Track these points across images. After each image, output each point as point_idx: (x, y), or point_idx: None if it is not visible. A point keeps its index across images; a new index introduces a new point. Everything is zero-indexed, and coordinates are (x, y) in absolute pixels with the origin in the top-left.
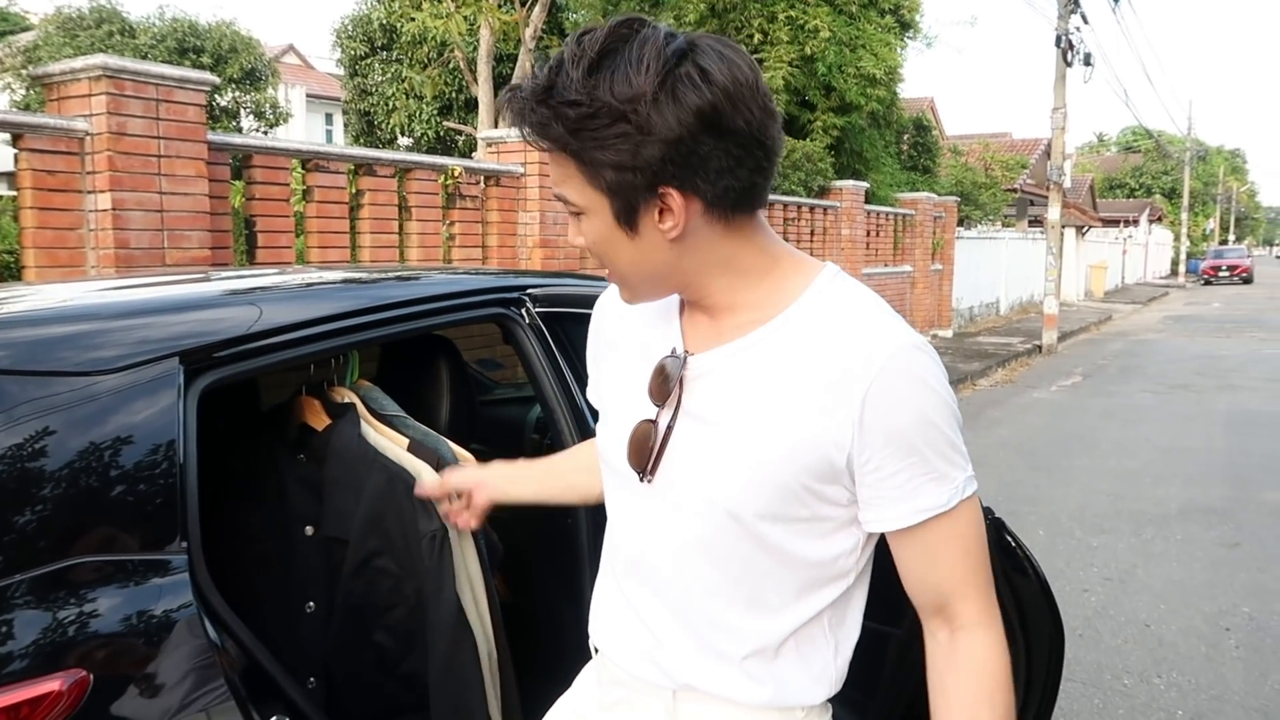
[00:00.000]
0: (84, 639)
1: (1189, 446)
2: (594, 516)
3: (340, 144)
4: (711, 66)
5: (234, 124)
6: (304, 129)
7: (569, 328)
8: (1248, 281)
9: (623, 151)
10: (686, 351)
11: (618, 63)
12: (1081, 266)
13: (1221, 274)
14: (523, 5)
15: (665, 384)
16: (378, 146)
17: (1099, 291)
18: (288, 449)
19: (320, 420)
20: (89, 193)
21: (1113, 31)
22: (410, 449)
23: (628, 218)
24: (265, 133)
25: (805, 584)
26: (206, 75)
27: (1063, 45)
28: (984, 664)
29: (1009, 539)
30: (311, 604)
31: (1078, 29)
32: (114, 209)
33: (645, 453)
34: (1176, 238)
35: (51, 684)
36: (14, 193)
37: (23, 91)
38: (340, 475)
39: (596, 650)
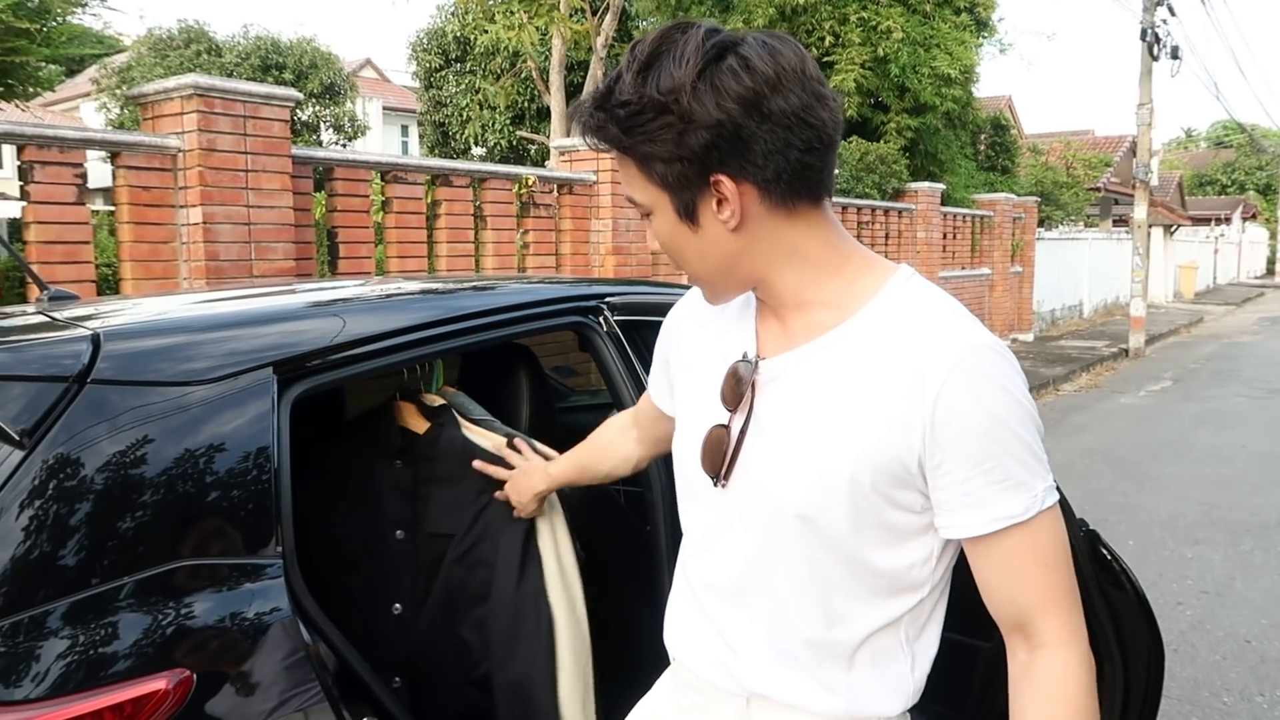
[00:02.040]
0: (186, 640)
1: None
2: (672, 524)
3: (415, 155)
4: (753, 55)
5: (314, 138)
6: (381, 141)
7: (647, 335)
8: None
9: (668, 142)
10: (759, 356)
11: (664, 62)
12: (1170, 267)
13: None
14: (594, 14)
15: (738, 388)
16: (452, 157)
17: (1189, 293)
18: (383, 454)
19: (420, 424)
20: (181, 207)
21: (1201, 23)
22: (509, 447)
23: (688, 211)
24: (344, 145)
25: (878, 592)
26: (291, 92)
27: (1148, 39)
28: (1063, 685)
29: (1104, 552)
30: (399, 606)
31: (1164, 21)
32: (204, 222)
33: (719, 458)
34: (1272, 235)
35: (157, 683)
36: (111, 208)
37: (118, 110)
38: (447, 474)
39: (673, 657)
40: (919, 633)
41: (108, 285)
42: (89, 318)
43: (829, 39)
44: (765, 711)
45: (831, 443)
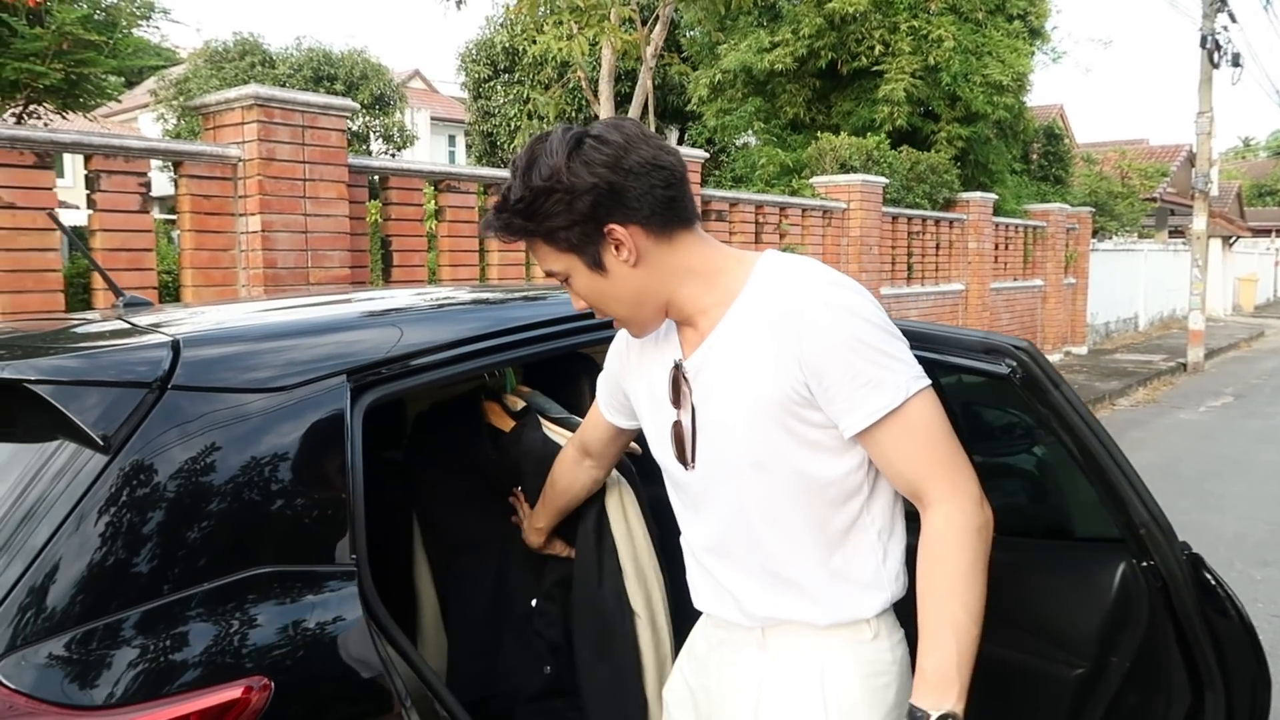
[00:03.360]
0: (265, 646)
1: None
2: None
3: (462, 164)
4: (603, 132)
5: (364, 148)
6: (428, 151)
7: None
8: None
9: (562, 213)
10: (682, 359)
11: (539, 160)
12: (1229, 279)
13: None
14: (644, 24)
15: (676, 388)
16: (500, 166)
17: (1248, 305)
18: (476, 451)
19: (505, 422)
20: (240, 215)
21: (1263, 28)
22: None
23: (596, 261)
24: (393, 155)
25: (830, 503)
26: (348, 102)
27: (1208, 46)
28: (943, 533)
29: (1208, 576)
30: (535, 600)
31: (1224, 28)
32: (263, 230)
33: (684, 446)
34: None
35: (238, 690)
36: (169, 216)
37: (174, 121)
38: (532, 471)
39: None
40: (886, 528)
41: (168, 292)
42: (166, 324)
43: (879, 48)
44: (778, 636)
45: (749, 395)
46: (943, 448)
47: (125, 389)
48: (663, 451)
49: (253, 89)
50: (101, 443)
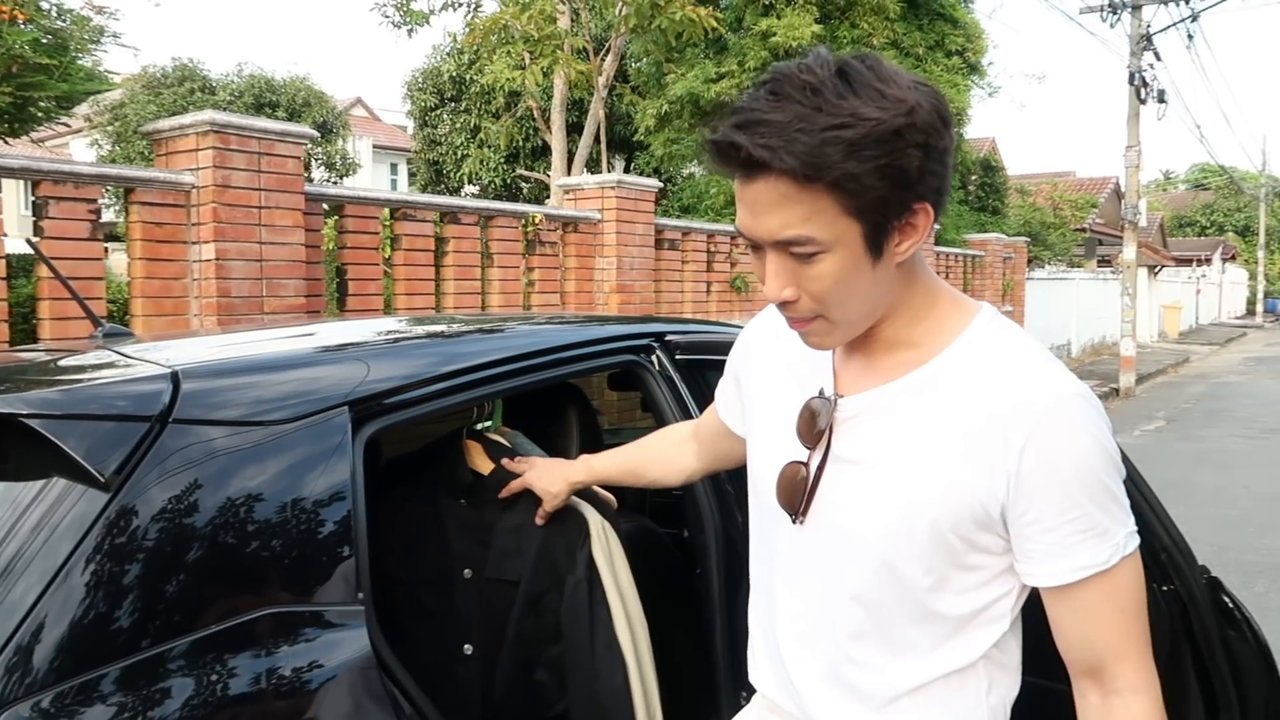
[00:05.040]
0: (273, 689)
1: None
2: (726, 567)
3: (405, 192)
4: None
5: (306, 175)
6: (370, 179)
7: (709, 375)
8: None
9: (895, 166)
10: (837, 394)
11: (865, 83)
12: (1154, 307)
13: None
14: (596, 54)
15: (814, 426)
16: (445, 195)
17: (1173, 332)
18: (451, 492)
19: (485, 464)
20: (193, 243)
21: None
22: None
23: (877, 241)
24: (335, 183)
25: (954, 631)
26: (305, 129)
27: (1136, 83)
28: None
29: (1226, 599)
30: (469, 646)
31: (1150, 66)
32: (217, 259)
33: (796, 495)
34: (1252, 276)
35: None
36: (111, 245)
37: (109, 146)
38: (512, 516)
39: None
40: (998, 661)
41: (116, 322)
42: (158, 355)
43: None
44: None
45: (912, 481)
46: (1142, 624)
47: (125, 423)
48: (765, 490)
49: (208, 114)
50: (101, 479)
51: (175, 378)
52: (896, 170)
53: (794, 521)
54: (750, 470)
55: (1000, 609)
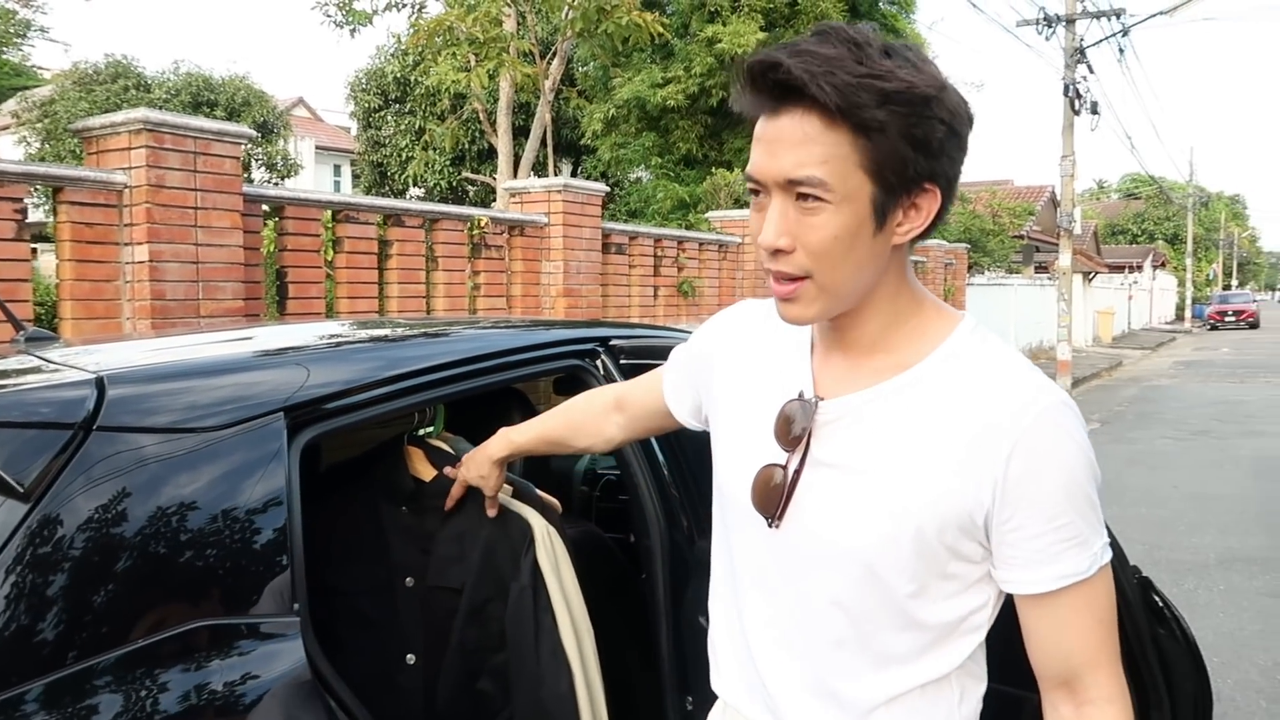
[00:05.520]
0: (208, 705)
1: (1219, 494)
2: (671, 572)
3: (347, 194)
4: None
5: (245, 175)
6: (313, 180)
7: None
8: (1254, 326)
9: (920, 130)
10: (818, 396)
11: (905, 56)
12: (1089, 312)
13: (1228, 319)
14: (542, 58)
15: (791, 428)
16: (390, 197)
17: (1107, 337)
18: (391, 499)
19: (427, 470)
20: (126, 245)
21: (1116, 79)
22: (516, 496)
23: (883, 209)
24: (276, 184)
25: (935, 640)
26: (243, 129)
27: (1070, 94)
28: None
29: (1156, 599)
30: (411, 656)
31: (1084, 79)
32: (151, 260)
33: (773, 499)
34: (1180, 283)
35: None
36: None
37: (39, 144)
38: (454, 523)
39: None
40: (970, 670)
41: (42, 326)
42: (83, 360)
43: None
44: None
45: (902, 489)
46: (1115, 634)
47: (46, 430)
48: (735, 492)
49: (142, 112)
50: (20, 489)
51: (100, 383)
52: (920, 136)
53: (769, 525)
54: (717, 472)
55: (978, 619)
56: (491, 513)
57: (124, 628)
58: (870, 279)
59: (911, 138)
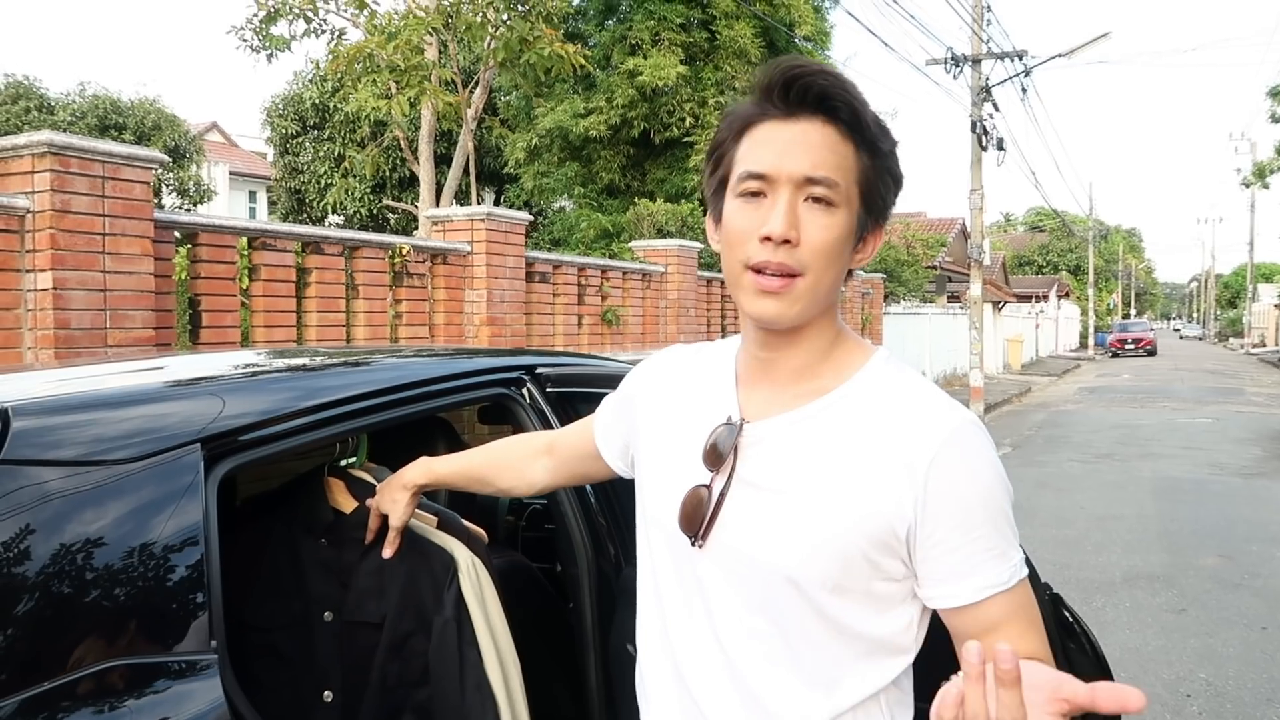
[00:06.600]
0: None
1: (1122, 514)
2: (597, 601)
3: (264, 220)
4: None
5: (156, 202)
6: (227, 206)
7: (580, 408)
8: (1152, 354)
9: (892, 171)
10: (743, 419)
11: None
12: (999, 340)
13: (1128, 347)
14: (465, 86)
15: (719, 450)
16: (308, 224)
17: (1016, 364)
18: (308, 531)
19: (348, 502)
20: (28, 271)
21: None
22: (440, 527)
23: (861, 229)
24: (188, 210)
25: (863, 657)
26: (154, 153)
27: (977, 131)
28: None
29: (1067, 614)
30: (329, 693)
31: (990, 116)
32: (55, 288)
33: (698, 518)
34: (1084, 312)
35: None
36: None
37: None
38: (374, 556)
39: None
40: (899, 698)
41: None
42: None
43: (689, 120)
44: None
45: (827, 509)
46: (1044, 643)
47: None
48: (660, 515)
49: (46, 135)
50: None
51: (4, 415)
52: (895, 175)
53: (693, 544)
54: (642, 498)
55: (904, 640)
56: (389, 551)
57: (30, 670)
58: (833, 295)
59: (891, 173)
